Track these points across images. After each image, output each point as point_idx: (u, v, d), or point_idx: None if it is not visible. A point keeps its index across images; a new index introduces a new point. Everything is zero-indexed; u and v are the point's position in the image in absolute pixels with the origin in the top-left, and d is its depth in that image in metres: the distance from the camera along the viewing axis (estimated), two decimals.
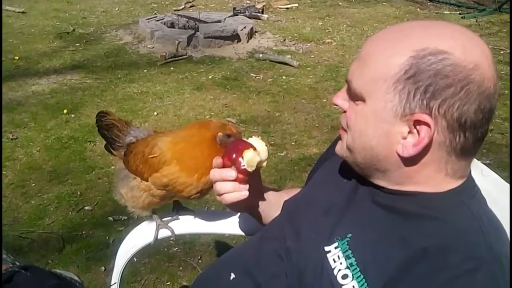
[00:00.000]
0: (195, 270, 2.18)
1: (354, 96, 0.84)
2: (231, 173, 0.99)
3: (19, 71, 4.38)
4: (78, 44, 5.11)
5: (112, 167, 2.90)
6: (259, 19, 6.18)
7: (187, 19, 5.60)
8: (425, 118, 0.77)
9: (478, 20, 6.31)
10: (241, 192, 1.01)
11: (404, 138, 0.80)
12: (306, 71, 4.61)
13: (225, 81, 4.32)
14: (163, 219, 1.31)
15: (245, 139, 1.05)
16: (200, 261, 2.23)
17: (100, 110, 1.46)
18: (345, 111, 0.89)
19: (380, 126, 0.81)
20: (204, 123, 1.23)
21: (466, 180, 0.85)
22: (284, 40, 5.48)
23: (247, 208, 1.14)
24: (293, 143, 3.33)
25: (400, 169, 0.83)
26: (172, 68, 4.56)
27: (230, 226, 1.30)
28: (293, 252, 0.93)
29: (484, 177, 1.11)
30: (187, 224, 1.32)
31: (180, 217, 1.33)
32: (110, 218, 2.48)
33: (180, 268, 2.20)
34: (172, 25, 5.47)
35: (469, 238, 0.77)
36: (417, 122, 0.78)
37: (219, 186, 1.02)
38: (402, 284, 0.75)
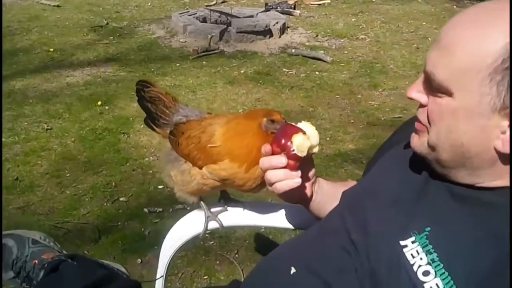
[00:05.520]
0: (232, 264, 2.13)
1: (437, 89, 0.76)
2: (281, 159, 0.93)
3: (54, 63, 4.41)
4: (112, 37, 5.12)
5: (146, 159, 2.89)
6: (291, 14, 6.10)
7: (219, 14, 5.57)
8: None
9: None
10: (294, 179, 0.95)
11: (504, 133, 0.72)
12: (339, 66, 4.52)
13: (257, 75, 4.27)
14: (212, 210, 1.24)
15: (293, 123, 0.98)
16: (236, 255, 2.18)
17: (141, 79, 1.31)
18: (422, 105, 0.81)
19: (474, 122, 0.73)
20: (250, 112, 1.16)
21: None
22: (317, 35, 5.39)
23: (301, 199, 1.07)
24: (328, 139, 3.25)
25: (494, 165, 0.75)
26: (204, 62, 4.53)
27: (281, 219, 1.23)
28: (361, 247, 0.86)
29: None
30: (236, 216, 1.25)
31: (228, 208, 1.27)
32: (145, 210, 2.45)
33: (217, 262, 2.15)
34: (204, 20, 5.45)
35: None
36: None
37: (270, 175, 0.96)
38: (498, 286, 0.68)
